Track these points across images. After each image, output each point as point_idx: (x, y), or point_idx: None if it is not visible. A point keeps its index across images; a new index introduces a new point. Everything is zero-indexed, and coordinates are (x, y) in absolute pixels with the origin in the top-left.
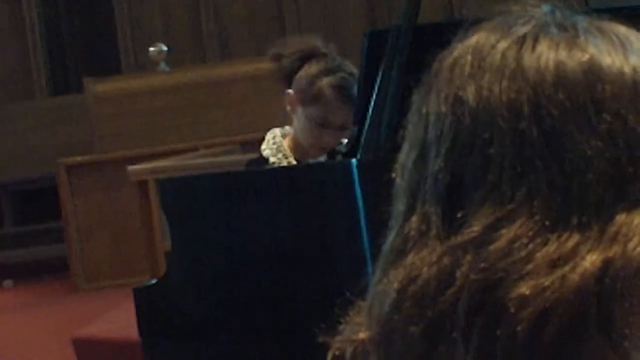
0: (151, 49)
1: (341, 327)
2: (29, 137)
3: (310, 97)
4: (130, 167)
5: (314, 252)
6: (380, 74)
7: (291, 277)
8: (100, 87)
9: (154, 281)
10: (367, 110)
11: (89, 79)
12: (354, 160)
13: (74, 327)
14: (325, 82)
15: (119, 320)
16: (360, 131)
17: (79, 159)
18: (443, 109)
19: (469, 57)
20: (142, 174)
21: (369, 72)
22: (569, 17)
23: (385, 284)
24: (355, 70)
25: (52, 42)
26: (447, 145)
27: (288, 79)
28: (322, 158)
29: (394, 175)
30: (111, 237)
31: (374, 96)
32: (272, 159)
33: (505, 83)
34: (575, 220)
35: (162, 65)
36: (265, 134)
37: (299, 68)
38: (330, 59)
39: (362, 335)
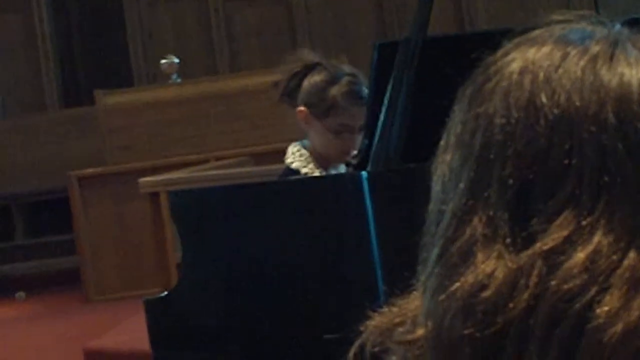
0: (162, 61)
1: (367, 324)
2: (40, 148)
3: (325, 110)
4: (142, 179)
5: (325, 263)
6: (390, 86)
7: (301, 288)
8: (111, 99)
9: (165, 293)
10: (377, 122)
11: (100, 91)
12: (364, 173)
13: (86, 339)
14: (335, 91)
15: (130, 332)
16: (370, 143)
17: (90, 171)
18: (515, 113)
19: (540, 65)
20: (153, 186)
21: (378, 84)
22: (636, 34)
23: (450, 287)
24: (354, 70)
25: (64, 54)
26: (518, 150)
27: (293, 98)
28: (342, 166)
29: (434, 172)
30: (122, 249)
31: (384, 108)
32: (304, 170)
33: (586, 95)
34: None
35: (174, 78)
36: (277, 145)
37: (300, 84)
38: (327, 66)
39: (420, 332)
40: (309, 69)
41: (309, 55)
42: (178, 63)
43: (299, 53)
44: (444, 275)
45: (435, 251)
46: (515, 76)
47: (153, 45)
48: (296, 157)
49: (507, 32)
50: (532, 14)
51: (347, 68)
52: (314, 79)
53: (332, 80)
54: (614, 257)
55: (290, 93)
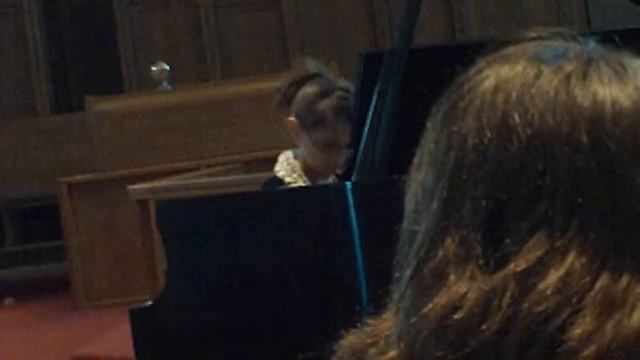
0: (153, 67)
1: (341, 344)
2: (30, 154)
3: (313, 123)
4: (131, 187)
5: (310, 273)
6: (375, 96)
7: (287, 298)
8: (102, 106)
9: (149, 303)
10: (362, 132)
11: (90, 97)
12: (348, 183)
13: (75, 346)
14: (323, 105)
15: (118, 339)
16: (356, 153)
17: (80, 177)
18: (487, 133)
19: (513, 84)
20: (142, 193)
21: (364, 94)
22: (610, 52)
23: (423, 308)
24: (349, 85)
25: (55, 60)
26: (491, 171)
27: (288, 107)
28: (332, 177)
29: (407, 189)
30: (112, 256)
31: (369, 118)
32: (287, 179)
33: (559, 114)
34: (628, 260)
35: (164, 84)
36: (268, 153)
37: (295, 94)
38: (323, 79)
39: (392, 353)
40: (307, 79)
41: (311, 65)
42: (169, 70)
43: (302, 61)
44: (416, 297)
45: (408, 272)
46: (488, 95)
47: (144, 51)
48: (283, 166)
49: (491, 44)
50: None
51: (343, 83)
52: (306, 91)
53: (323, 95)
54: (587, 279)
55: (286, 101)
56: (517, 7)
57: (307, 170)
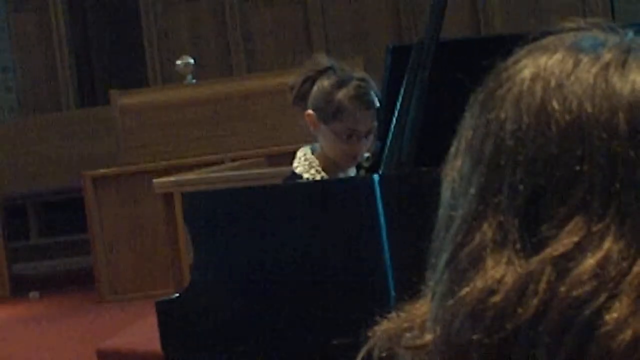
0: (178, 61)
1: (375, 330)
2: (55, 148)
3: (332, 114)
4: (156, 180)
5: (336, 266)
6: (402, 89)
7: (314, 290)
8: (126, 100)
9: (176, 295)
10: (390, 125)
11: (115, 91)
12: (376, 176)
13: (99, 339)
14: (341, 95)
15: (143, 333)
16: (383, 146)
17: (104, 170)
18: (526, 119)
19: (552, 72)
20: (167, 186)
21: (392, 87)
22: None
23: (460, 292)
24: (365, 75)
25: (80, 54)
26: (530, 156)
27: (304, 102)
28: (353, 170)
29: (444, 178)
30: (137, 249)
31: (396, 111)
32: (305, 175)
33: (598, 102)
34: None
35: (189, 78)
36: (291, 147)
37: (311, 88)
38: (337, 70)
39: (428, 338)
40: (321, 73)
41: (323, 60)
42: (193, 64)
43: (314, 57)
44: (453, 281)
45: (445, 256)
46: (527, 82)
47: (168, 45)
48: (301, 162)
49: (521, 38)
50: (547, 15)
51: (358, 73)
52: (322, 84)
53: (340, 85)
54: (624, 264)
55: (302, 96)
56: (543, 2)
57: (326, 165)
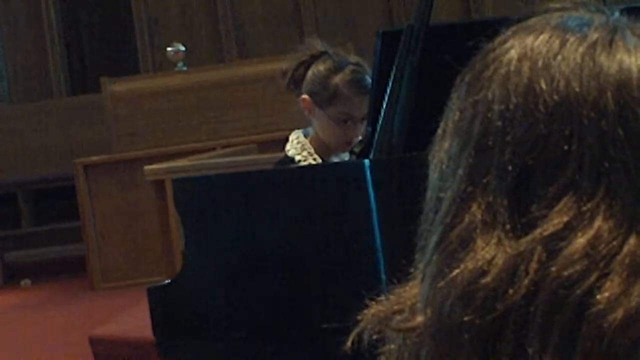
0: (169, 48)
1: (365, 313)
2: (46, 136)
3: (328, 98)
4: (147, 167)
5: (327, 251)
6: (392, 73)
7: (305, 275)
8: (117, 87)
9: (167, 281)
10: (380, 109)
11: (106, 79)
12: (366, 161)
13: (91, 326)
14: (337, 80)
15: (135, 320)
16: (373, 131)
17: (96, 158)
18: (514, 99)
19: (539, 52)
20: (158, 173)
21: (382, 72)
22: (634, 21)
23: (450, 274)
24: (360, 59)
25: (71, 41)
26: (518, 136)
27: (298, 87)
28: (346, 153)
29: (432, 160)
30: (128, 237)
31: (387, 96)
32: (297, 157)
33: (585, 81)
34: None
35: (180, 65)
36: (283, 133)
37: (305, 73)
38: (332, 55)
39: (419, 320)
40: (315, 58)
41: (316, 45)
42: (184, 51)
43: (307, 42)
44: (443, 262)
45: (434, 238)
46: (514, 63)
47: (160, 32)
48: (293, 144)
49: (507, 21)
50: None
51: (352, 58)
52: (317, 68)
53: (336, 69)
54: (615, 243)
55: (296, 81)
56: None
57: (319, 148)
